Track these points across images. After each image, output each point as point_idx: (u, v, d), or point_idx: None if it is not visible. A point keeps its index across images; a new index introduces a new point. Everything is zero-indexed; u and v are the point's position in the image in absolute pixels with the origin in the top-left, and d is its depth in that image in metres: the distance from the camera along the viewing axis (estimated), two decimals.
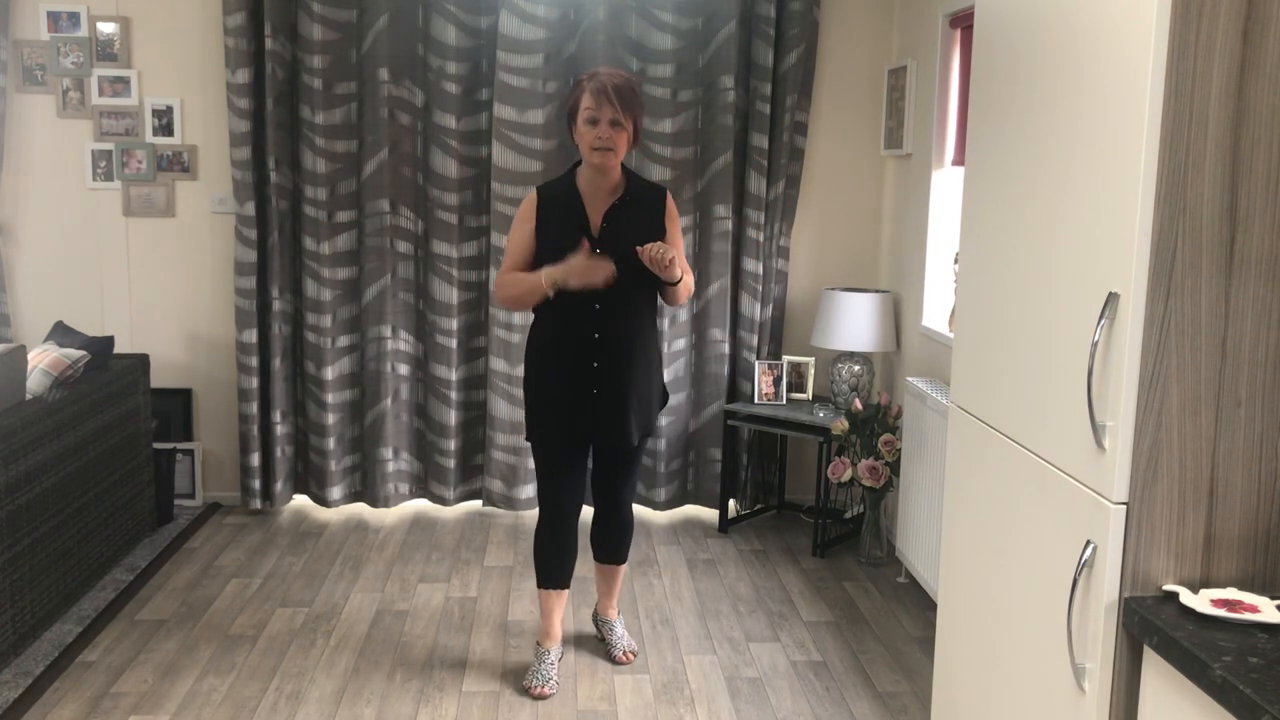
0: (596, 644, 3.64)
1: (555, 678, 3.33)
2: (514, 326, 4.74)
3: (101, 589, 3.96)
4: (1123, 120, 1.75)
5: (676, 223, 3.26)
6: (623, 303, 3.16)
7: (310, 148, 4.64)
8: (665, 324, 4.78)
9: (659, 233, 3.19)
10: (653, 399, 3.32)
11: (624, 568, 3.57)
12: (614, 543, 3.50)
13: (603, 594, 3.61)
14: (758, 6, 4.63)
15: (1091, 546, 1.82)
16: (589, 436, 3.25)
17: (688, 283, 3.21)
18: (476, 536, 4.66)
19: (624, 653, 3.52)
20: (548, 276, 3.08)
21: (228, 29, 4.49)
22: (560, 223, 3.15)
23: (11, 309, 4.79)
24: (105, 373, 4.11)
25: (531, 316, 3.43)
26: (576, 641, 3.66)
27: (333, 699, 3.26)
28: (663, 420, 4.84)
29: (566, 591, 3.44)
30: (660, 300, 3.27)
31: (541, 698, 3.27)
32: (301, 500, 5.02)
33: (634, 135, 3.14)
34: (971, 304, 2.40)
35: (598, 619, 3.65)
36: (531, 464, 4.76)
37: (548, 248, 3.14)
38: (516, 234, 3.20)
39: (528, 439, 3.31)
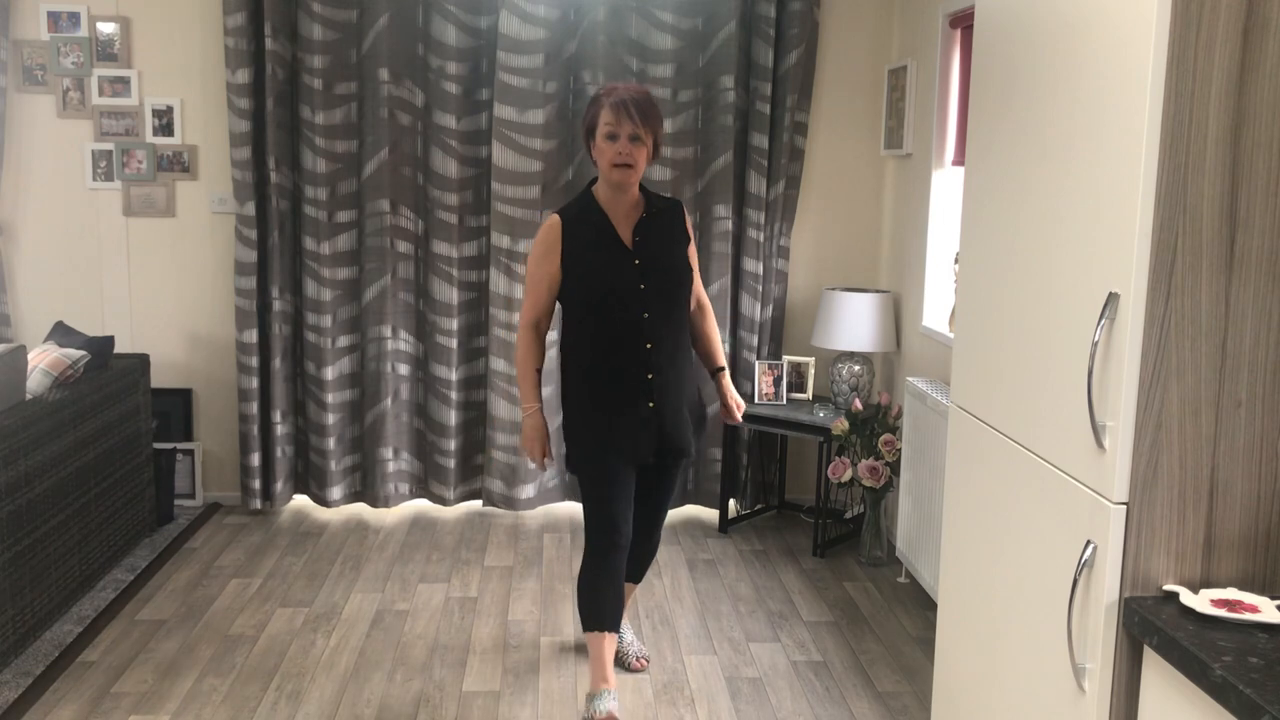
0: None
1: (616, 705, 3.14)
2: (514, 327, 4.74)
3: (101, 589, 3.96)
4: (1123, 120, 1.75)
5: (691, 233, 3.28)
6: (666, 312, 3.13)
7: (310, 148, 4.64)
8: None
9: (685, 242, 3.20)
10: (693, 405, 3.27)
11: (637, 586, 3.48)
12: (642, 563, 3.42)
13: None
14: (758, 6, 4.63)
15: (1091, 546, 1.82)
16: (650, 451, 3.14)
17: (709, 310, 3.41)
18: (477, 536, 4.66)
19: (637, 659, 3.47)
20: (525, 433, 3.15)
21: (228, 29, 4.50)
22: (591, 241, 3.10)
23: (11, 309, 4.79)
24: (105, 373, 4.11)
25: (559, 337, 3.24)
26: (578, 647, 3.66)
27: (333, 699, 3.25)
28: None
29: (617, 634, 3.24)
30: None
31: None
32: (301, 500, 5.02)
33: (653, 150, 3.09)
34: (971, 304, 2.40)
35: None
36: (530, 464, 4.76)
37: (580, 269, 3.09)
38: (538, 271, 3.13)
39: (573, 469, 3.17)
